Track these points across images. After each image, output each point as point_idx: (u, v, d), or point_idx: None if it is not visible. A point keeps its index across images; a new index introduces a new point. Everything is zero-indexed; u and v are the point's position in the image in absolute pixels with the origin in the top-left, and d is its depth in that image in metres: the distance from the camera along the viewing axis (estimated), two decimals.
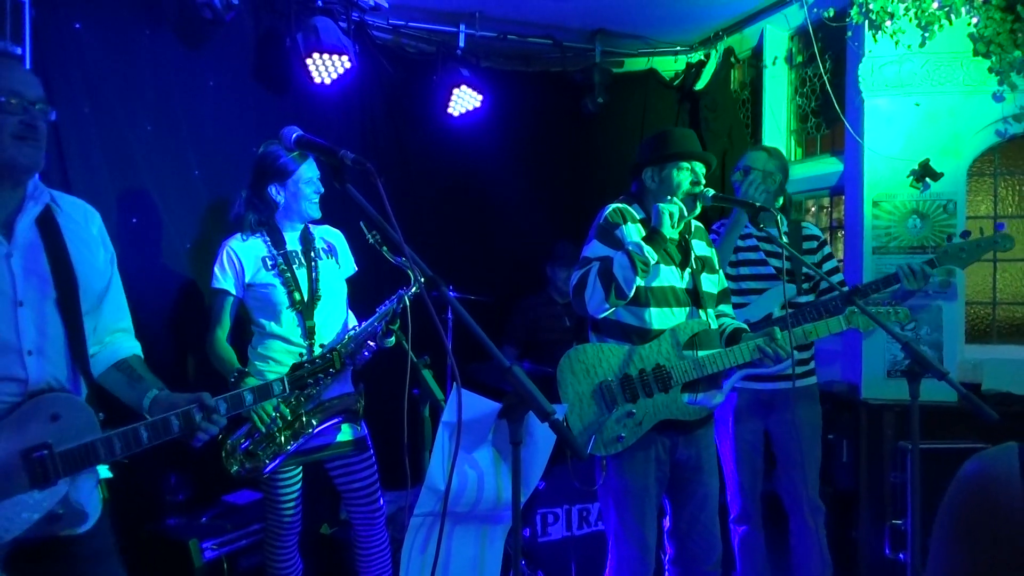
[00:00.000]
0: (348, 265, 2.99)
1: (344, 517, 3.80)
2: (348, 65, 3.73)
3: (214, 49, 3.42)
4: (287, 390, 2.09)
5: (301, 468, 2.83)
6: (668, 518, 2.65)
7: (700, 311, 2.54)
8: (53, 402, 1.69)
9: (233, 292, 2.74)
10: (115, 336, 1.97)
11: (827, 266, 3.28)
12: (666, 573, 2.68)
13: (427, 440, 2.37)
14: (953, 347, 3.66)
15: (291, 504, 2.80)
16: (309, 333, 2.73)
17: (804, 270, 3.20)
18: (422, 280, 2.45)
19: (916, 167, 3.61)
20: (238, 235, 2.79)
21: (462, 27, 4.38)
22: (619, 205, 2.58)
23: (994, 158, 3.86)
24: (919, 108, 3.67)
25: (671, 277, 2.52)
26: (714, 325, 2.58)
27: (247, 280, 2.74)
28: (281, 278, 2.73)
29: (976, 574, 0.95)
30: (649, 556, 2.51)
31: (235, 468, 2.61)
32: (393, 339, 2.56)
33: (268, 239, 2.78)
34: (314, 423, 2.66)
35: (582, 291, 2.41)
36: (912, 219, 3.68)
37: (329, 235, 2.97)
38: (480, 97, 4.30)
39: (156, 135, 3.18)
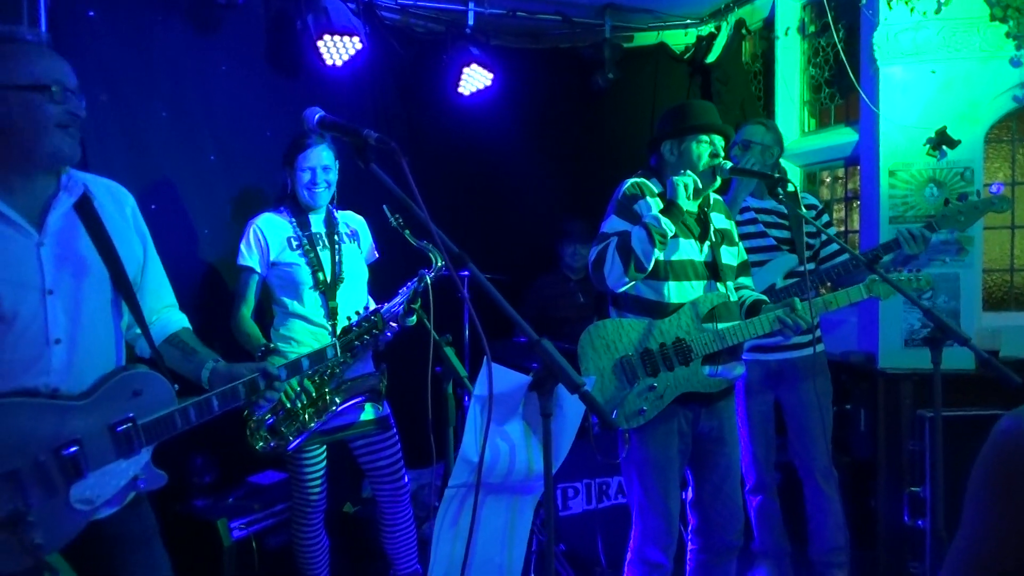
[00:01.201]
0: (369, 251, 3.02)
1: (367, 495, 3.86)
2: (359, 46, 3.73)
3: (226, 34, 3.43)
4: (339, 354, 2.14)
5: (325, 447, 2.87)
6: (691, 489, 2.67)
7: (719, 284, 2.55)
8: (134, 379, 1.80)
9: (258, 270, 2.79)
10: (162, 313, 2.03)
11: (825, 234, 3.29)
12: (688, 543, 2.72)
13: (451, 417, 2.39)
14: (971, 315, 3.65)
15: (316, 482, 2.85)
16: (332, 314, 2.77)
17: (806, 240, 3.21)
18: (443, 263, 2.59)
19: (933, 135, 3.59)
20: (265, 213, 2.82)
21: (471, 5, 4.36)
22: (638, 179, 2.58)
23: (1012, 124, 3.82)
24: (935, 75, 3.64)
25: (690, 250, 2.52)
26: (733, 297, 2.59)
27: (272, 258, 2.77)
28: (306, 258, 2.77)
29: (1014, 527, 0.97)
30: (673, 526, 2.54)
31: (260, 444, 2.65)
32: (415, 318, 2.58)
33: (294, 219, 2.82)
34: (337, 401, 2.70)
35: (601, 266, 2.42)
36: (929, 187, 3.67)
37: (352, 221, 3.01)
38: (490, 75, 4.29)
39: (172, 121, 3.19)
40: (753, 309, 2.57)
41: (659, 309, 2.49)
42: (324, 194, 2.82)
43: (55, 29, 2.65)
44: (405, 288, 2.67)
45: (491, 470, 1.53)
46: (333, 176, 2.85)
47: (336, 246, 2.85)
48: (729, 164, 2.50)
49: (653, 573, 2.55)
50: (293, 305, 2.80)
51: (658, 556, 2.53)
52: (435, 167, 4.45)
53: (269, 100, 3.58)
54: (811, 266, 3.23)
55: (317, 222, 2.87)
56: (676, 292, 2.49)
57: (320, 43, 3.61)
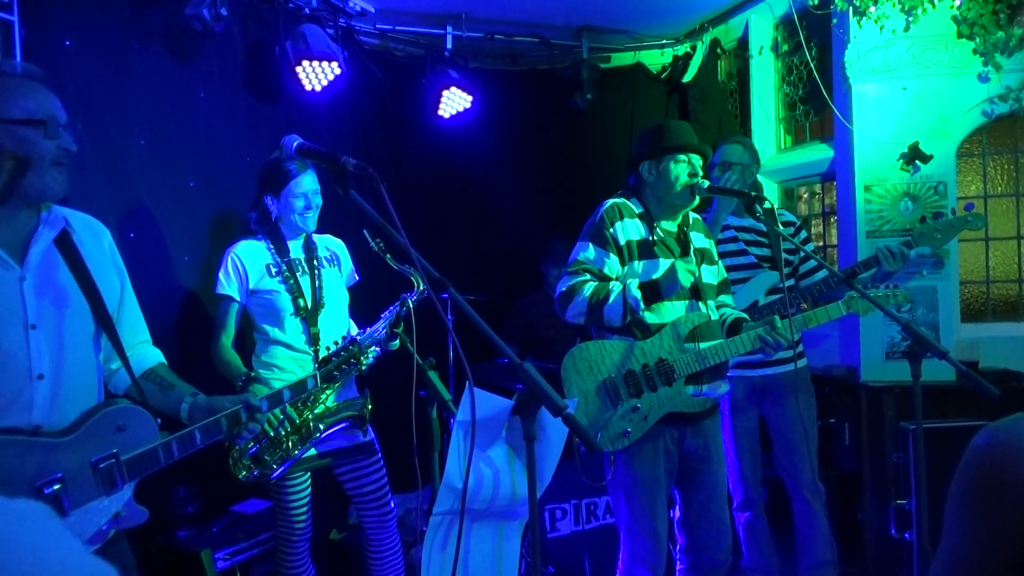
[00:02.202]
0: (349, 274, 3.01)
1: (353, 522, 3.82)
2: (338, 71, 3.74)
3: (204, 61, 3.42)
4: (319, 383, 2.12)
5: (310, 474, 2.84)
6: (678, 508, 2.67)
7: (700, 303, 2.57)
8: (118, 414, 1.77)
9: (237, 298, 2.77)
10: (137, 348, 2.01)
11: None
12: (677, 563, 2.71)
13: (436, 441, 2.38)
14: (949, 326, 3.70)
15: (301, 510, 2.82)
16: (314, 340, 2.75)
17: (784, 256, 3.25)
18: (424, 288, 2.58)
19: (906, 150, 3.65)
20: (242, 241, 2.81)
21: (449, 29, 4.40)
22: (617, 200, 2.60)
23: (982, 138, 3.90)
24: (906, 92, 3.71)
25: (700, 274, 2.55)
26: (714, 316, 2.60)
27: (251, 286, 2.76)
28: (286, 284, 2.76)
29: (990, 542, 0.97)
30: (661, 547, 2.53)
31: (243, 474, 2.60)
32: (397, 342, 2.57)
33: (272, 246, 2.80)
34: (321, 428, 2.67)
35: (567, 303, 2.48)
36: (904, 202, 3.72)
37: (331, 244, 2.99)
38: (470, 98, 4.32)
39: (150, 149, 3.18)
40: (734, 327, 2.58)
41: (642, 329, 2.50)
42: (314, 218, 2.83)
43: (31, 58, 2.63)
44: (387, 312, 2.66)
45: (475, 496, 1.52)
46: (319, 200, 2.84)
47: (316, 271, 2.84)
48: (707, 183, 2.52)
49: None
50: (274, 332, 2.78)
51: None
52: (416, 190, 4.47)
53: (248, 126, 3.57)
54: (791, 283, 3.26)
55: (296, 248, 2.85)
56: (658, 312, 2.50)
57: (299, 69, 3.62)
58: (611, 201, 2.60)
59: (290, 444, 2.62)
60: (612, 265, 2.50)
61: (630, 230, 2.54)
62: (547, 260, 4.32)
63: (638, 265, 2.49)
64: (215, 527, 3.12)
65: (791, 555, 3.47)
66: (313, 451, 2.72)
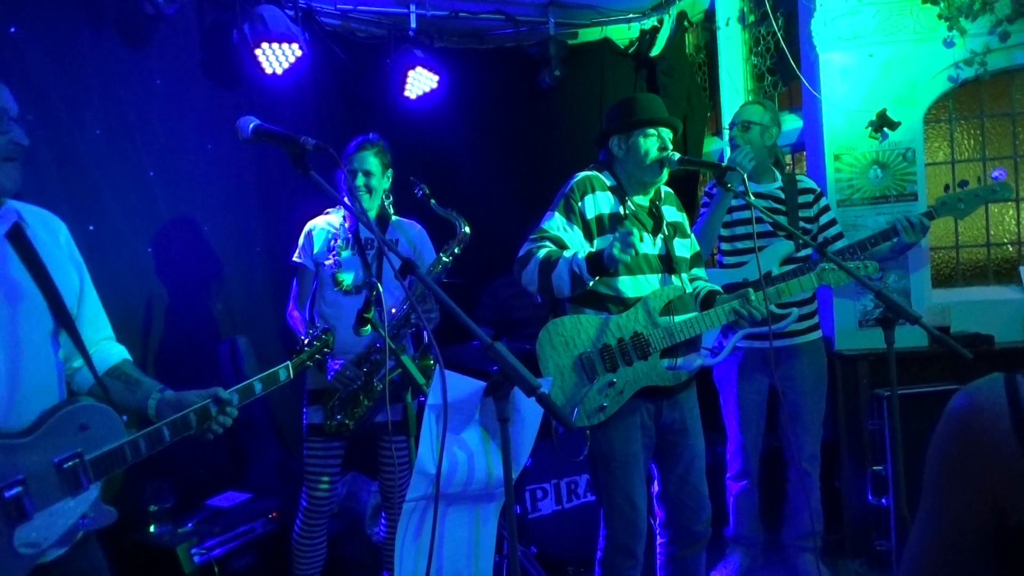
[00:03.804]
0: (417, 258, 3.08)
1: (334, 511, 3.78)
2: (299, 53, 3.65)
3: (159, 46, 3.32)
4: (292, 376, 2.11)
5: (342, 445, 2.94)
6: (656, 482, 2.67)
7: (674, 276, 2.55)
8: (81, 412, 1.72)
9: (308, 266, 2.95)
10: (100, 345, 1.95)
11: (824, 219, 3.29)
12: (657, 536, 2.71)
13: (411, 426, 2.35)
14: (921, 292, 3.73)
15: (323, 479, 2.92)
16: (366, 309, 2.79)
17: (801, 225, 3.20)
18: (467, 230, 2.89)
19: (874, 118, 3.65)
20: (325, 213, 2.99)
21: (412, 7, 4.31)
22: (588, 173, 2.57)
23: (948, 104, 3.91)
24: (873, 59, 3.70)
25: (643, 244, 2.51)
26: (688, 289, 2.59)
27: (315, 257, 2.90)
28: (337, 259, 2.90)
29: (970, 503, 0.96)
30: (641, 521, 2.53)
31: (332, 424, 2.83)
32: (368, 328, 2.53)
33: (346, 222, 2.96)
34: (379, 389, 2.82)
35: (522, 268, 2.46)
36: (873, 170, 3.73)
37: (401, 231, 3.08)
38: (436, 77, 4.24)
39: (107, 139, 3.08)
40: (708, 300, 2.57)
41: (616, 303, 2.48)
42: (365, 198, 2.91)
43: None
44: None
45: (450, 480, 1.49)
46: (376, 183, 2.94)
47: (377, 249, 2.94)
48: (677, 156, 2.49)
49: (624, 569, 2.53)
50: (320, 304, 2.93)
51: (628, 551, 2.52)
52: None
53: (208, 112, 3.48)
54: (806, 252, 3.18)
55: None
56: (632, 286, 2.48)
57: (258, 51, 3.53)
58: (583, 174, 2.57)
59: (366, 405, 2.82)
60: (574, 237, 2.48)
61: (601, 203, 2.51)
62: (524, 238, 4.27)
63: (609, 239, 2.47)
64: (190, 522, 3.07)
65: (777, 524, 3.50)
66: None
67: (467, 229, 2.91)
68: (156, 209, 3.29)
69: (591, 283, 2.36)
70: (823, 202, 3.33)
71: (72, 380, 1.93)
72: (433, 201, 2.82)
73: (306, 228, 2.99)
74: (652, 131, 2.51)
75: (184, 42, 3.47)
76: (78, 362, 1.88)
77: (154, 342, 3.18)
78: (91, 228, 2.98)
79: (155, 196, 3.29)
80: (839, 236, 3.28)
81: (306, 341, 2.24)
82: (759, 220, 3.08)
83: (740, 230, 3.22)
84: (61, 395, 1.83)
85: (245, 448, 3.63)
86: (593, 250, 2.38)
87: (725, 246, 3.34)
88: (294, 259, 2.98)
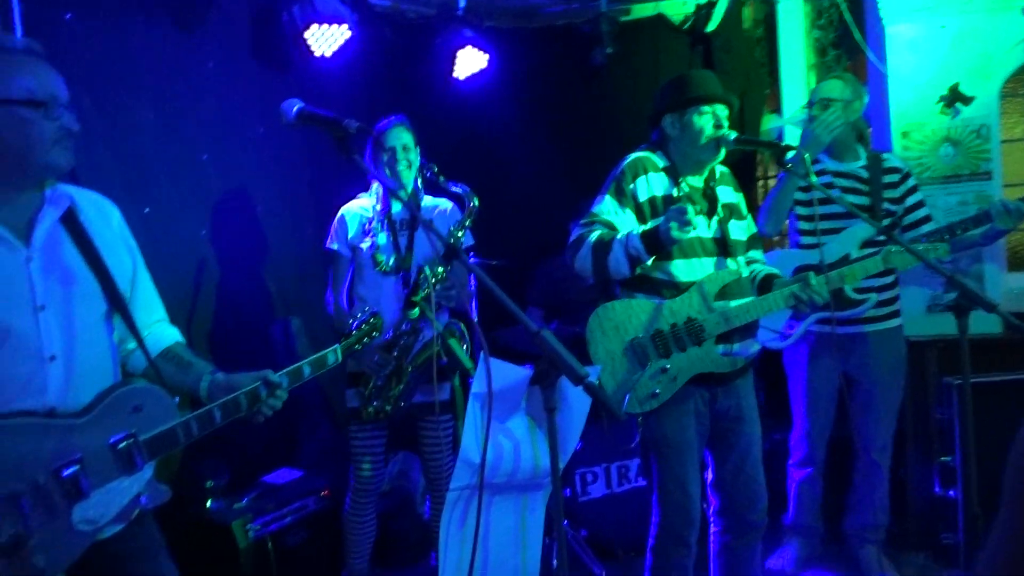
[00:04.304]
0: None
1: (384, 489, 3.82)
2: (348, 35, 3.63)
3: (210, 30, 3.34)
4: (340, 359, 2.10)
5: (384, 428, 2.98)
6: (711, 470, 2.60)
7: (729, 260, 2.46)
8: (134, 394, 1.75)
9: (344, 252, 2.96)
10: (153, 327, 1.98)
11: (910, 200, 3.11)
12: (711, 524, 2.65)
13: (459, 410, 2.33)
14: (995, 277, 3.55)
15: (367, 460, 2.97)
16: (413, 293, 2.81)
17: (885, 207, 3.05)
18: (476, 203, 2.86)
19: (945, 92, 3.47)
20: (356, 198, 3.00)
21: None
22: (640, 154, 2.49)
23: None
24: (944, 31, 3.51)
25: (698, 227, 2.43)
26: (744, 273, 2.50)
27: (350, 241, 2.93)
28: (373, 241, 2.90)
29: None
30: (694, 509, 2.47)
31: (369, 410, 2.86)
32: (416, 311, 2.52)
33: (378, 204, 2.96)
34: (410, 370, 2.83)
35: (574, 254, 2.39)
36: (944, 147, 3.54)
37: (435, 209, 3.08)
38: (486, 57, 4.19)
39: (160, 123, 3.12)
40: (765, 284, 2.48)
41: (669, 288, 2.41)
42: (406, 173, 2.91)
43: (31, 32, 2.56)
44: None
45: (495, 470, 1.46)
46: (414, 156, 2.96)
47: (412, 228, 2.94)
48: (734, 135, 2.40)
49: (676, 557, 2.48)
50: (359, 287, 2.94)
51: (680, 539, 2.47)
52: (433, 153, 4.35)
53: (259, 96, 3.50)
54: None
55: (398, 205, 2.95)
56: (685, 270, 2.41)
57: (307, 34, 3.52)
58: (634, 155, 2.50)
59: (398, 390, 2.83)
60: (625, 220, 2.40)
61: (654, 185, 2.44)
62: (574, 220, 4.21)
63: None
64: (245, 498, 3.13)
65: (836, 516, 3.39)
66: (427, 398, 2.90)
67: (475, 201, 2.88)
68: (209, 192, 3.33)
69: (649, 262, 2.29)
70: (910, 183, 3.13)
71: (127, 362, 1.96)
72: (442, 178, 2.80)
73: (339, 214, 2.99)
74: (707, 108, 2.42)
75: (235, 26, 3.49)
76: (132, 344, 1.90)
77: (208, 324, 3.23)
78: (146, 211, 3.03)
79: (208, 179, 3.33)
80: (926, 219, 3.10)
81: (353, 325, 2.23)
82: (822, 202, 2.95)
83: (820, 209, 3.08)
84: (116, 377, 1.86)
85: (298, 427, 3.68)
86: (647, 227, 2.31)
87: (803, 225, 3.20)
88: (328, 246, 2.99)
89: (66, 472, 1.62)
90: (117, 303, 1.82)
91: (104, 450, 1.68)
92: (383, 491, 3.79)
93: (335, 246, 2.96)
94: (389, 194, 2.94)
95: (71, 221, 1.77)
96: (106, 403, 1.71)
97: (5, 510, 1.55)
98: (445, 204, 3.10)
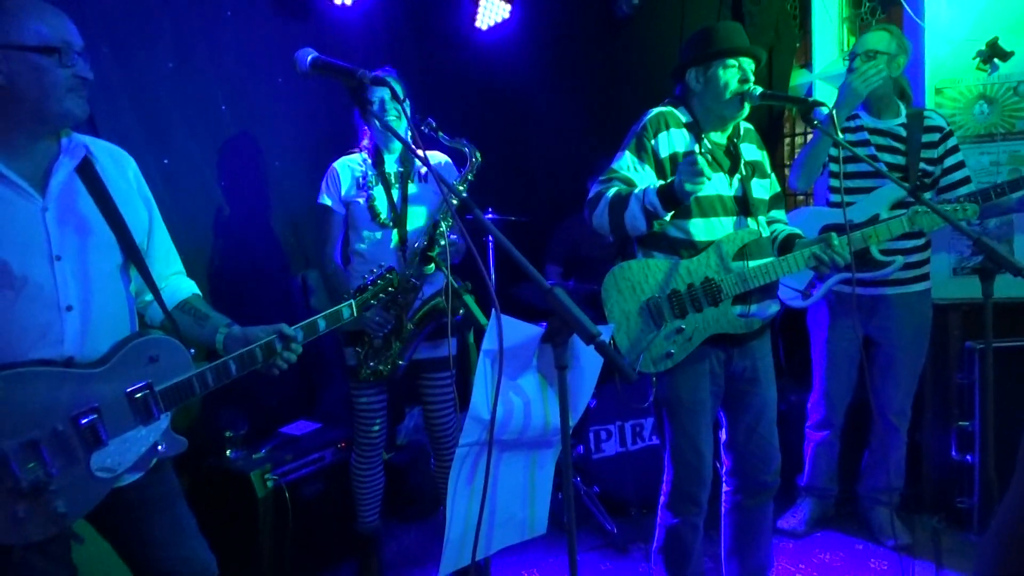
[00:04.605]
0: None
1: (400, 442, 3.87)
2: None
3: None
4: (355, 313, 2.11)
5: (385, 386, 2.98)
6: (724, 430, 2.60)
7: (749, 219, 2.41)
8: (150, 345, 1.78)
9: (335, 208, 2.90)
10: (170, 280, 1.99)
11: (949, 161, 3.02)
12: (724, 484, 2.65)
13: (473, 365, 2.33)
14: None
15: (374, 419, 2.99)
16: (402, 244, 2.85)
17: (922, 167, 2.96)
18: (478, 159, 2.80)
19: (983, 47, 3.33)
20: (347, 154, 2.94)
21: None
22: (663, 109, 2.43)
23: None
24: None
25: (718, 185, 2.38)
26: (765, 233, 2.45)
27: (343, 197, 2.88)
28: (367, 195, 2.86)
29: None
30: (706, 469, 2.47)
31: (365, 372, 2.86)
32: (432, 266, 2.51)
33: (370, 159, 2.91)
34: (410, 327, 2.81)
35: (592, 210, 2.34)
36: (979, 105, 3.43)
37: (432, 160, 3.00)
38: (508, 7, 4.11)
39: (179, 72, 3.10)
40: (786, 244, 2.43)
41: (687, 247, 2.37)
42: (397, 123, 2.85)
43: None
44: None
45: (505, 426, 1.46)
46: (406, 107, 2.88)
47: (405, 182, 2.91)
48: (759, 90, 2.32)
49: (687, 515, 2.50)
50: (355, 241, 2.91)
51: (692, 498, 2.48)
52: (454, 106, 4.31)
53: (279, 45, 3.45)
54: (928, 196, 2.94)
55: (391, 161, 2.93)
56: (704, 229, 2.36)
57: None
58: (656, 110, 2.43)
59: (398, 348, 2.82)
60: (645, 177, 2.35)
61: (676, 141, 2.38)
62: (593, 176, 4.16)
63: None
64: (263, 448, 3.18)
65: (851, 479, 3.39)
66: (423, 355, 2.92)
67: (478, 156, 2.83)
68: (228, 143, 3.32)
69: (668, 217, 2.25)
70: (951, 142, 3.03)
71: (144, 313, 1.98)
72: (441, 134, 2.74)
73: (330, 168, 2.92)
74: (732, 62, 2.34)
75: None
76: (149, 296, 1.92)
77: (226, 276, 3.25)
78: (165, 162, 3.03)
79: (227, 129, 3.31)
80: (965, 181, 3.01)
81: (368, 279, 2.23)
82: (848, 160, 2.87)
83: (851, 167, 2.99)
84: (132, 327, 1.88)
85: (316, 380, 3.72)
86: (664, 183, 2.26)
87: (834, 183, 3.13)
88: (320, 201, 2.92)
89: (84, 420, 1.65)
90: (133, 254, 1.83)
91: (121, 399, 1.71)
92: (400, 444, 3.85)
93: (328, 201, 2.90)
94: (382, 146, 2.90)
95: (87, 171, 1.77)
96: (122, 353, 1.74)
97: (26, 456, 1.59)
98: (440, 158, 3.04)
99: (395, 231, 2.86)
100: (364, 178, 2.89)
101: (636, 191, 2.27)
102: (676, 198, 2.17)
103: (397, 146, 2.93)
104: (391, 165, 2.93)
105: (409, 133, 2.88)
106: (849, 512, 3.45)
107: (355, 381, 2.94)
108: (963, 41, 3.39)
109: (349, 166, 2.91)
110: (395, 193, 2.89)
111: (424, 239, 2.75)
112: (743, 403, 2.52)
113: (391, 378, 2.88)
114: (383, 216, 2.85)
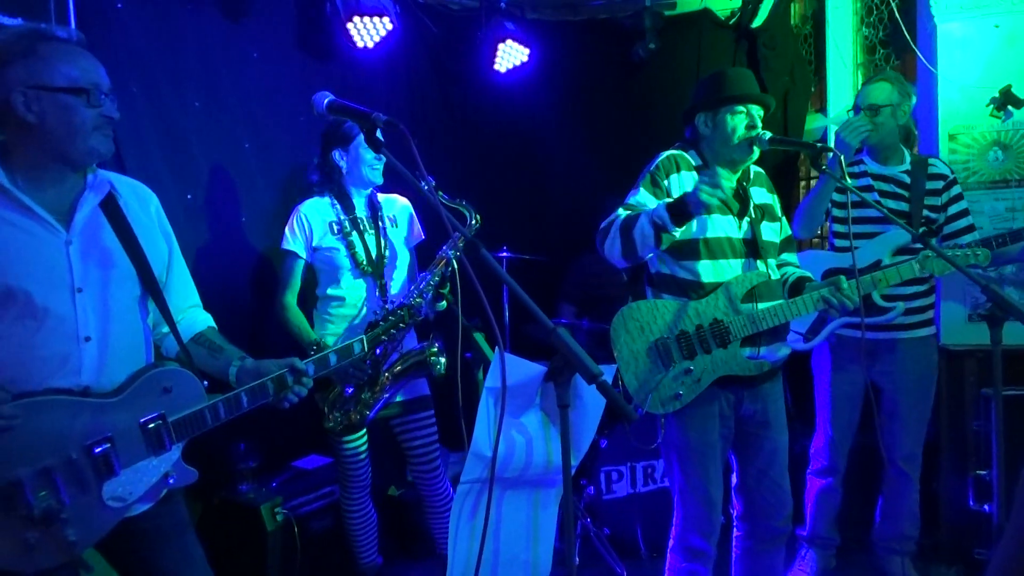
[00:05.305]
0: (415, 234, 3.06)
1: (411, 479, 3.86)
2: (390, 27, 3.67)
3: (256, 20, 3.40)
4: (366, 349, 2.13)
5: (365, 430, 2.94)
6: (735, 474, 2.58)
7: (759, 262, 2.43)
8: (164, 376, 1.81)
9: (302, 255, 2.85)
10: (187, 312, 2.04)
11: (953, 209, 3.03)
12: (734, 528, 2.63)
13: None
14: None
15: (359, 462, 2.95)
16: (383, 291, 2.83)
17: (925, 214, 2.97)
18: (477, 219, 2.77)
19: (997, 94, 3.35)
20: (310, 199, 2.89)
21: None
22: (673, 152, 2.47)
23: None
24: (998, 30, 3.39)
25: (727, 227, 2.40)
26: (775, 275, 2.46)
27: (314, 243, 2.84)
28: (345, 242, 2.82)
29: None
30: (715, 512, 2.45)
31: (330, 425, 2.79)
32: (444, 303, 2.55)
33: (338, 204, 2.87)
34: (389, 377, 2.77)
35: (605, 236, 2.35)
36: (993, 151, 3.43)
37: (394, 205, 3.03)
38: (527, 51, 4.19)
39: (205, 110, 3.19)
40: (797, 287, 2.44)
41: (695, 289, 2.38)
42: (381, 169, 2.88)
43: (84, 22, 2.65)
44: (440, 253, 2.77)
45: (507, 464, 1.47)
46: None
47: (380, 226, 2.91)
48: (768, 135, 2.36)
49: (695, 560, 2.47)
50: (333, 289, 2.85)
51: (700, 543, 2.45)
52: (472, 147, 4.39)
53: (302, 85, 3.55)
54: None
55: (360, 206, 2.92)
56: (712, 271, 2.38)
57: (350, 25, 3.57)
58: (667, 152, 2.47)
59: (369, 397, 2.76)
60: None
61: (686, 183, 2.42)
62: (607, 216, 4.19)
63: (694, 223, 2.36)
64: (275, 482, 3.20)
65: (858, 526, 3.33)
66: (398, 397, 2.89)
67: (478, 218, 2.81)
68: (251, 180, 3.40)
69: (677, 233, 2.22)
70: (955, 190, 3.04)
71: (160, 345, 2.02)
72: (441, 193, 2.65)
73: (298, 213, 2.85)
74: (741, 108, 2.38)
75: (280, 16, 3.54)
76: (166, 328, 1.96)
77: (244, 309, 3.30)
78: (189, 197, 3.11)
79: (250, 167, 3.39)
80: (969, 229, 3.01)
81: (380, 316, 2.26)
82: (856, 205, 2.89)
83: (855, 212, 3.01)
84: (148, 358, 1.92)
85: None
86: (673, 199, 2.26)
87: (838, 228, 3.14)
88: (286, 246, 2.85)
89: (97, 449, 1.68)
90: (151, 287, 1.87)
91: (134, 429, 1.74)
92: (410, 480, 3.85)
93: (295, 247, 2.83)
94: (352, 188, 2.89)
95: (110, 206, 1.83)
96: (137, 384, 1.77)
97: (39, 483, 1.61)
98: (401, 201, 3.04)
99: (373, 277, 2.84)
100: (339, 224, 2.84)
101: (645, 210, 2.29)
102: (687, 210, 2.17)
103: (365, 191, 2.93)
104: (361, 210, 2.91)
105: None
106: (864, 560, 3.38)
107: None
108: (976, 87, 3.42)
109: (319, 212, 2.85)
110: (369, 239, 2.86)
111: (435, 276, 2.75)
112: (754, 447, 2.50)
113: (359, 424, 2.82)
114: (365, 263, 2.83)
